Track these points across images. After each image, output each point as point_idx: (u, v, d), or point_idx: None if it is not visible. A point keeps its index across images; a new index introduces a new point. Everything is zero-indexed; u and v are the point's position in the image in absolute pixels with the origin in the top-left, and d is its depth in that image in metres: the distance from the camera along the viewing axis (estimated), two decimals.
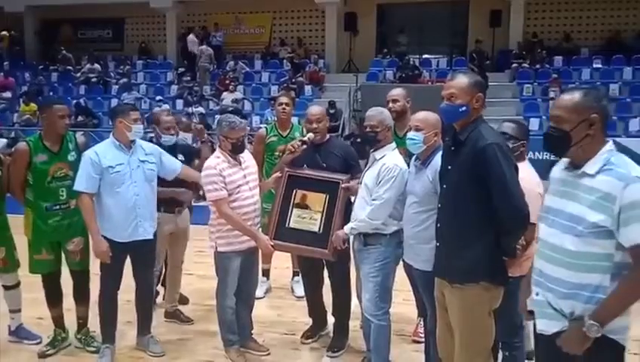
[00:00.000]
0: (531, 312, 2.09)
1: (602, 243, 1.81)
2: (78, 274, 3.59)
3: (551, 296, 1.94)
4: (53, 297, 3.60)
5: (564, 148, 1.91)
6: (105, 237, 3.31)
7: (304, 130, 3.78)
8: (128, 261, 3.49)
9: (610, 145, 1.89)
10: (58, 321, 3.64)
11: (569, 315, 1.89)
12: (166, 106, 12.67)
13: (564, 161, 2.00)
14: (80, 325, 3.67)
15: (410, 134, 2.80)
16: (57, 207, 3.44)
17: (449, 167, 2.45)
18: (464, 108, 2.36)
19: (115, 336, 3.53)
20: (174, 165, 3.61)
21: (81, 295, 3.62)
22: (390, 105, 3.71)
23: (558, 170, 2.03)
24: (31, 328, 3.79)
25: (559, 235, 1.90)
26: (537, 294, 2.01)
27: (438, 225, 2.52)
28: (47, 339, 3.65)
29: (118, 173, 3.29)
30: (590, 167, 1.86)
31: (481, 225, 2.32)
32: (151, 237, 3.46)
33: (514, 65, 13.44)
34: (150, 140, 4.01)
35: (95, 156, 3.28)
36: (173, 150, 3.85)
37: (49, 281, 3.57)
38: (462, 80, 2.38)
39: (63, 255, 3.56)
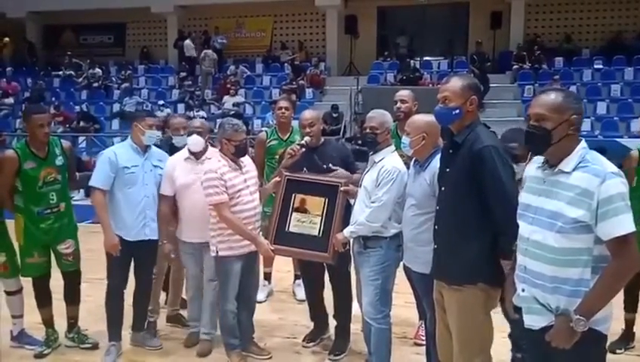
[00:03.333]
0: (518, 309, 2.13)
1: (582, 237, 1.87)
2: (70, 276, 3.69)
3: (537, 292, 1.99)
4: (44, 299, 3.68)
5: (544, 146, 1.97)
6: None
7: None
8: None
9: (583, 143, 1.96)
10: (49, 322, 3.73)
11: (555, 310, 1.94)
12: (168, 110, 12.81)
13: (539, 159, 2.07)
14: (71, 325, 3.77)
15: (403, 138, 2.86)
16: (49, 210, 3.54)
17: (447, 170, 2.47)
18: (457, 111, 2.39)
19: (121, 334, 3.62)
20: None
21: (73, 295, 3.72)
22: (399, 104, 3.72)
23: (532, 168, 2.08)
24: (33, 333, 3.81)
25: (541, 232, 1.96)
26: (523, 290, 2.06)
27: (436, 226, 2.54)
28: (41, 340, 3.71)
29: (133, 174, 3.45)
30: (566, 164, 1.93)
31: (479, 226, 2.35)
32: (156, 237, 3.56)
33: (515, 66, 13.43)
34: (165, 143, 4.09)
35: (113, 156, 3.45)
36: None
37: (40, 284, 3.65)
38: (455, 83, 2.42)
39: (53, 257, 3.65)
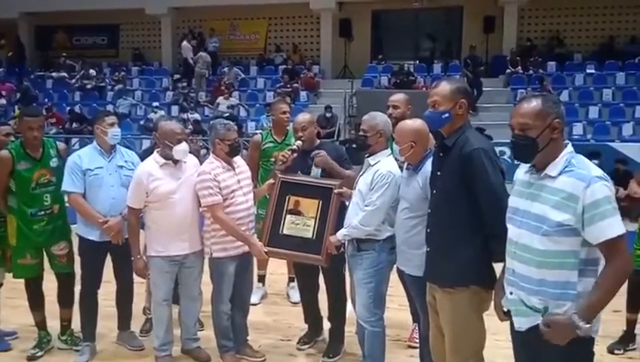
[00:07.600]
0: (507, 313, 2.15)
1: (568, 240, 1.89)
2: (63, 278, 3.68)
3: (523, 294, 2.01)
4: (36, 301, 3.68)
5: (532, 155, 1.99)
6: (84, 237, 3.48)
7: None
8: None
9: (569, 148, 1.98)
10: (42, 324, 3.72)
11: (544, 310, 1.95)
12: (162, 112, 12.76)
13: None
14: (64, 327, 3.77)
15: (394, 145, 2.89)
16: (42, 212, 3.53)
17: (438, 173, 2.50)
18: (447, 115, 2.42)
19: (95, 335, 3.65)
20: None
21: (66, 298, 3.71)
22: (390, 110, 3.69)
23: (521, 173, 2.11)
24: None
25: (529, 235, 1.98)
26: (511, 293, 2.08)
27: (428, 229, 2.56)
28: (34, 342, 3.70)
29: (96, 176, 3.45)
30: (552, 169, 1.95)
31: (470, 229, 2.36)
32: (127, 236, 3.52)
33: (508, 70, 13.51)
34: (153, 146, 4.05)
35: (78, 159, 3.47)
36: None
37: (32, 286, 3.65)
38: (444, 87, 2.45)
39: (46, 259, 3.64)
